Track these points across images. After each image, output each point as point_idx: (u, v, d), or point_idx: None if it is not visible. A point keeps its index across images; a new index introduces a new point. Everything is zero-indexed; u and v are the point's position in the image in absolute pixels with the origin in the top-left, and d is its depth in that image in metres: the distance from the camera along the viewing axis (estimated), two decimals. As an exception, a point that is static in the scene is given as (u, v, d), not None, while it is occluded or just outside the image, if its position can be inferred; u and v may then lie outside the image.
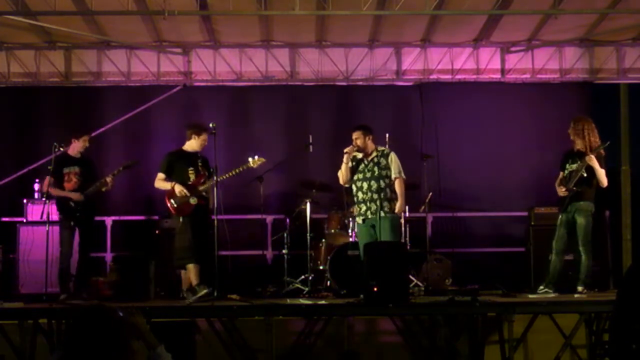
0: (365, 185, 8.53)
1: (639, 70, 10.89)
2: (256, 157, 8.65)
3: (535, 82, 10.97)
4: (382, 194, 8.45)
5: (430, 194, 9.69)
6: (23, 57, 10.63)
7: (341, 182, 8.71)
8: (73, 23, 9.72)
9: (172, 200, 8.49)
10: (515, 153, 10.90)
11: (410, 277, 8.61)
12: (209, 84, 10.87)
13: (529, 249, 9.55)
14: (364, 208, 8.47)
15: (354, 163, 8.57)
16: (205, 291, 8.03)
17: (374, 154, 8.61)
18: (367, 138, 8.60)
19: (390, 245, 8.04)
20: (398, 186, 8.50)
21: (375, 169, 8.52)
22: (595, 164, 8.20)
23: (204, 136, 8.56)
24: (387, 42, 10.76)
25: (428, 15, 9.70)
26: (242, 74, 10.81)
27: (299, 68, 10.85)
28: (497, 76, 10.91)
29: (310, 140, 9.92)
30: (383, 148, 8.72)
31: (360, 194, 8.51)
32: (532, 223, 9.69)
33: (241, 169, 8.60)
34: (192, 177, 8.55)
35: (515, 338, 7.74)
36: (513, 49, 10.83)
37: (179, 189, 8.44)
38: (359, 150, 8.58)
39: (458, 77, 10.88)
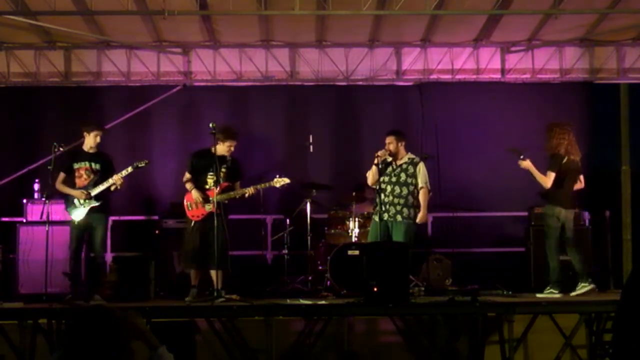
0: (389, 188, 8.71)
1: (639, 70, 10.89)
2: (282, 177, 8.61)
3: (535, 82, 10.97)
4: (403, 200, 8.66)
5: (430, 194, 9.69)
6: (23, 57, 10.63)
7: (369, 182, 8.91)
8: (73, 23, 9.72)
9: (187, 203, 8.51)
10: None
11: (410, 277, 8.61)
12: (209, 84, 10.86)
13: (529, 249, 9.55)
14: (382, 210, 8.55)
15: (382, 165, 8.69)
16: (189, 299, 8.13)
17: (404, 160, 8.83)
18: (399, 144, 8.86)
19: (390, 245, 8.06)
20: (422, 196, 8.76)
21: (402, 175, 8.74)
22: (528, 167, 8.47)
23: (228, 143, 8.48)
24: (387, 42, 10.76)
25: (428, 15, 9.70)
26: (242, 74, 10.80)
27: (299, 68, 10.84)
28: (497, 76, 10.91)
29: (311, 140, 9.92)
30: (413, 156, 8.92)
31: (382, 196, 8.64)
32: (532, 223, 9.69)
33: (263, 186, 8.58)
34: (210, 182, 8.45)
35: (516, 338, 7.74)
36: (513, 49, 10.83)
37: (195, 195, 8.44)
38: (390, 154, 8.76)
39: (458, 77, 10.87)
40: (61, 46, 10.63)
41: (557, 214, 8.51)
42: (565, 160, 8.52)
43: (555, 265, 8.43)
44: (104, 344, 3.13)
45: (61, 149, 8.52)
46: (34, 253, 9.22)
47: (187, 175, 8.64)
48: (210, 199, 8.35)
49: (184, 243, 8.70)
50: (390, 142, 8.80)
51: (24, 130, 10.88)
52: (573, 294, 8.32)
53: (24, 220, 9.75)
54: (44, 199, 8.50)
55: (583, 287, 8.31)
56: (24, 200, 9.82)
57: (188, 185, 8.60)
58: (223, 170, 8.46)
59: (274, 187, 8.69)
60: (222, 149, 8.51)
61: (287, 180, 8.62)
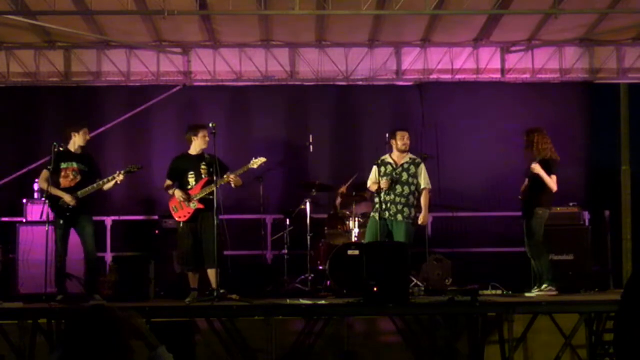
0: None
1: (639, 70, 10.89)
2: (257, 158, 8.56)
3: (535, 82, 10.97)
4: (404, 200, 8.67)
5: (430, 193, 9.69)
6: (23, 57, 10.63)
7: (372, 190, 8.90)
8: (73, 23, 9.72)
9: (172, 206, 8.49)
10: (515, 153, 10.85)
11: (410, 277, 8.61)
12: (209, 84, 10.86)
13: (529, 249, 9.55)
14: (383, 208, 8.54)
15: (384, 168, 8.70)
16: (188, 300, 8.11)
17: (405, 159, 8.83)
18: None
19: (390, 245, 8.06)
20: (425, 197, 8.80)
21: (404, 174, 8.77)
22: (540, 171, 8.49)
23: (201, 134, 8.48)
24: (387, 42, 10.77)
25: (428, 15, 9.70)
26: (242, 74, 10.81)
27: (299, 68, 10.85)
28: (497, 76, 10.91)
29: (311, 140, 9.92)
30: (415, 157, 8.92)
31: (383, 195, 8.60)
32: (532, 223, 9.69)
33: (242, 171, 8.51)
34: (191, 181, 8.42)
35: (516, 338, 7.74)
36: (513, 49, 10.83)
37: (177, 194, 8.40)
38: (403, 151, 8.80)
39: (458, 77, 10.88)
40: (61, 46, 10.64)
41: (546, 216, 8.61)
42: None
43: (550, 264, 8.47)
44: (104, 344, 3.13)
45: (61, 149, 8.49)
46: (34, 253, 9.22)
47: (168, 182, 8.58)
48: (192, 196, 8.35)
49: (177, 246, 8.72)
50: (408, 138, 8.87)
51: (24, 130, 10.88)
52: (529, 294, 8.42)
53: (24, 220, 9.75)
54: (44, 199, 8.48)
55: (550, 290, 8.35)
56: (24, 200, 9.83)
57: (170, 191, 8.55)
58: (203, 167, 8.44)
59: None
60: (200, 143, 8.49)
61: (263, 160, 8.54)
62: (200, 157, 8.50)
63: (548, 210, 8.64)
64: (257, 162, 8.54)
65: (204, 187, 8.38)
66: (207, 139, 8.49)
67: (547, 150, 8.59)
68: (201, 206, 8.32)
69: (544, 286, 8.39)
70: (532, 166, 8.51)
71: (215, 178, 8.22)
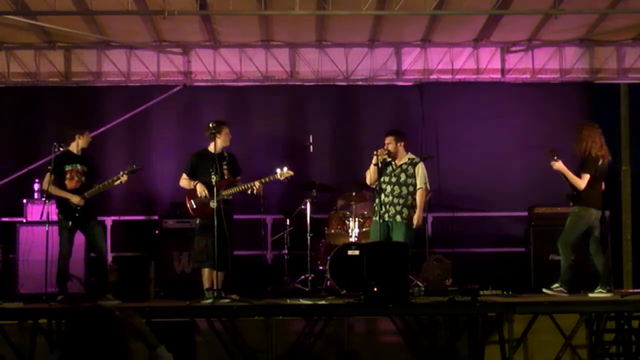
0: (388, 188, 8.68)
1: (639, 70, 10.89)
2: (285, 170, 8.46)
3: (535, 82, 10.97)
4: (402, 200, 8.63)
5: (430, 193, 9.69)
6: (23, 57, 10.63)
7: (368, 182, 8.85)
8: (73, 23, 9.72)
9: (191, 201, 8.41)
10: (515, 153, 10.90)
11: (410, 277, 8.60)
12: (209, 84, 10.87)
13: (529, 249, 9.56)
14: (382, 210, 8.53)
15: (382, 165, 8.63)
16: (208, 302, 8.00)
17: (404, 160, 8.78)
18: (398, 144, 8.79)
19: (390, 245, 8.06)
20: (419, 196, 8.68)
21: (402, 175, 8.71)
22: (561, 168, 8.30)
23: (225, 131, 8.46)
24: (387, 42, 10.77)
25: (428, 15, 9.70)
26: (242, 74, 10.81)
27: (299, 68, 10.85)
28: (497, 76, 10.91)
29: (311, 140, 9.92)
30: (413, 156, 8.88)
31: (382, 196, 8.59)
32: (532, 223, 9.69)
33: (268, 179, 8.48)
34: (213, 180, 8.16)
35: (515, 338, 7.75)
36: (513, 49, 10.83)
37: (200, 188, 8.35)
38: (389, 154, 8.70)
39: (458, 77, 10.88)
40: (61, 46, 10.64)
41: (589, 216, 8.33)
42: (600, 163, 8.35)
43: (569, 265, 8.30)
44: (103, 344, 3.13)
45: (61, 149, 8.50)
46: (34, 253, 9.23)
47: (184, 176, 8.56)
48: (223, 192, 8.28)
49: (193, 243, 8.58)
50: (389, 143, 8.75)
51: (24, 130, 10.88)
52: (590, 295, 8.24)
53: (24, 220, 9.76)
54: (44, 199, 8.49)
55: (601, 293, 8.17)
56: (24, 200, 9.84)
57: (187, 183, 8.52)
58: (225, 167, 8.42)
59: (278, 181, 8.61)
60: (224, 140, 8.46)
61: (290, 173, 8.50)
62: (220, 156, 8.44)
63: (594, 209, 8.34)
64: (284, 174, 8.46)
65: (226, 188, 8.34)
66: (230, 136, 8.48)
67: (591, 148, 8.29)
68: (223, 206, 8.20)
69: (554, 285, 8.29)
70: (552, 163, 8.31)
71: (234, 178, 8.29)
